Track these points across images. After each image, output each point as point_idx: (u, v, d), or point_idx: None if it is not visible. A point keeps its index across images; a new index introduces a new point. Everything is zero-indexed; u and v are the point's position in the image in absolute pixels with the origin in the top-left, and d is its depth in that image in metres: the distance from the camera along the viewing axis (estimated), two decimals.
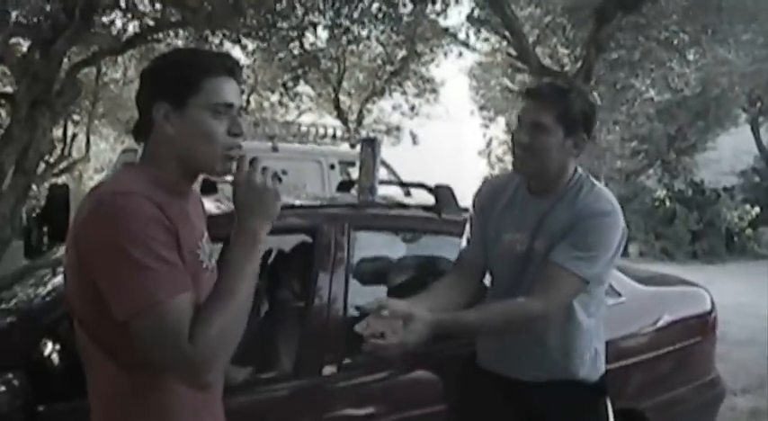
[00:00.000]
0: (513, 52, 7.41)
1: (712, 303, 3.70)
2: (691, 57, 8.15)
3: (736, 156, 17.67)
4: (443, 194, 2.86)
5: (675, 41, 7.38)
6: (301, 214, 2.78)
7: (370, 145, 2.97)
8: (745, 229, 14.32)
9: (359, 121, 12.59)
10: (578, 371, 2.37)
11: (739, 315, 8.22)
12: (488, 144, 14.94)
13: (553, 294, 2.18)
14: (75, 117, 13.49)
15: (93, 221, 1.45)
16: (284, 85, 10.98)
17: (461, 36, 9.86)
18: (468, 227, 2.47)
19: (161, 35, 8.78)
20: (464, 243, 2.46)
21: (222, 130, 1.56)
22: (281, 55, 10.32)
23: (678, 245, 13.44)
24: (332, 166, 7.15)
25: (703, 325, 3.62)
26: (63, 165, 14.00)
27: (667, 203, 14.18)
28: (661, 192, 14.73)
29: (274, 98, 12.64)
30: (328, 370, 2.47)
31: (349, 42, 10.15)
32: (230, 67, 1.61)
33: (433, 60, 12.38)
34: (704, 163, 16.39)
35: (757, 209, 14.55)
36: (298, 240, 3.08)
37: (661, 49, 7.41)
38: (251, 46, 10.41)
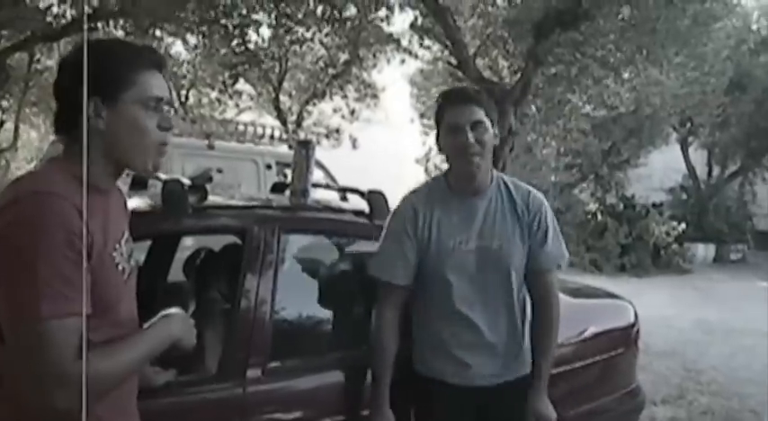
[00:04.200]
0: (454, 62, 7.46)
1: (636, 316, 3.79)
2: (626, 75, 8.36)
3: (665, 174, 18.21)
4: (376, 200, 2.85)
5: (612, 60, 7.54)
6: (231, 215, 2.73)
7: (305, 147, 2.94)
8: (672, 244, 14.73)
9: (298, 123, 12.49)
10: (526, 361, 2.55)
11: (662, 327, 8.49)
12: (427, 152, 15.00)
13: (557, 293, 2.55)
14: (4, 104, 13.05)
15: (8, 219, 1.40)
16: (224, 82, 10.84)
17: (404, 43, 9.91)
18: (388, 251, 2.49)
19: (99, 24, 8.56)
20: (381, 268, 2.48)
21: (153, 125, 1.56)
22: (223, 52, 10.18)
23: (607, 257, 13.74)
24: (268, 167, 7.10)
25: (626, 337, 3.70)
26: None
27: (599, 217, 14.48)
28: (593, 206, 15.05)
29: (213, 95, 12.48)
30: (252, 373, 2.43)
31: (292, 43, 10.08)
32: (158, 61, 1.61)
33: (375, 66, 12.40)
34: (636, 178, 16.84)
35: (683, 225, 14.98)
36: (227, 241, 3.03)
37: (597, 66, 7.57)
38: (192, 41, 10.26)
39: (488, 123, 2.36)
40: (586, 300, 3.81)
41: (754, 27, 16.05)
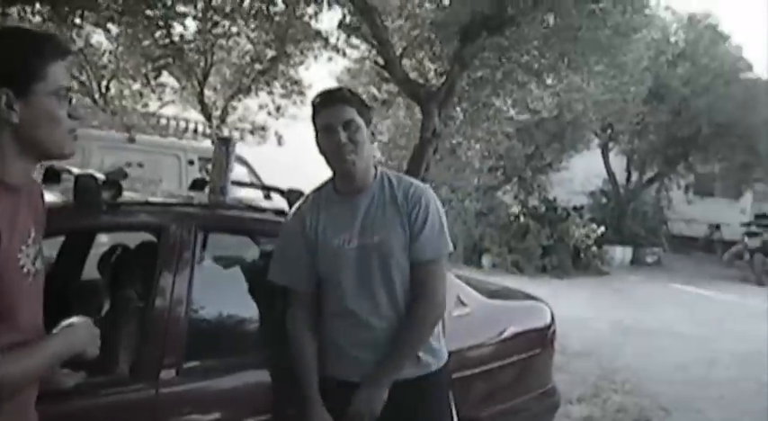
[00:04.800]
0: (381, 62, 7.44)
1: (552, 317, 3.87)
2: (549, 81, 8.51)
3: (586, 178, 18.62)
4: (295, 198, 2.83)
5: (536, 66, 7.66)
6: (146, 211, 2.67)
7: (224, 144, 2.90)
8: (591, 247, 15.03)
9: (223, 118, 12.24)
10: (431, 358, 2.53)
11: (580, 327, 8.67)
12: None
13: (439, 288, 2.48)
14: None
15: None
16: (146, 75, 10.54)
17: (333, 41, 9.83)
18: (283, 257, 2.55)
19: (14, 10, 8.21)
20: (279, 274, 2.53)
21: (65, 114, 1.54)
22: (147, 43, 9.92)
23: (529, 259, 13.92)
24: (191, 162, 6.99)
25: (543, 337, 3.77)
26: None
27: (521, 219, 14.68)
28: (516, 208, 15.26)
29: (136, 87, 12.12)
30: (166, 374, 2.38)
31: (218, 37, 9.91)
32: (65, 49, 1.58)
33: (302, 63, 12.29)
34: (558, 182, 17.17)
35: (603, 228, 15.34)
36: (143, 238, 2.96)
37: (522, 71, 7.69)
38: (114, 30, 9.97)
39: (361, 122, 2.42)
40: (504, 301, 3.87)
41: (673, 40, 16.58)
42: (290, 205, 2.86)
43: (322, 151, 2.47)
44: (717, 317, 10.85)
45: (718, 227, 19.00)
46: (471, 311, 3.27)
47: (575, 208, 16.25)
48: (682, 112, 15.86)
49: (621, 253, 16.89)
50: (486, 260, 13.86)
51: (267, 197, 4.35)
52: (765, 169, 16.82)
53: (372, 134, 2.51)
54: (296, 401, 2.53)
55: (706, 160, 17.60)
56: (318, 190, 2.59)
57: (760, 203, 18.41)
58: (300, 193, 2.90)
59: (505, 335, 3.50)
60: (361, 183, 2.47)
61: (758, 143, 15.76)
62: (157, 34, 9.36)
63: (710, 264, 17.60)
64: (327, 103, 2.44)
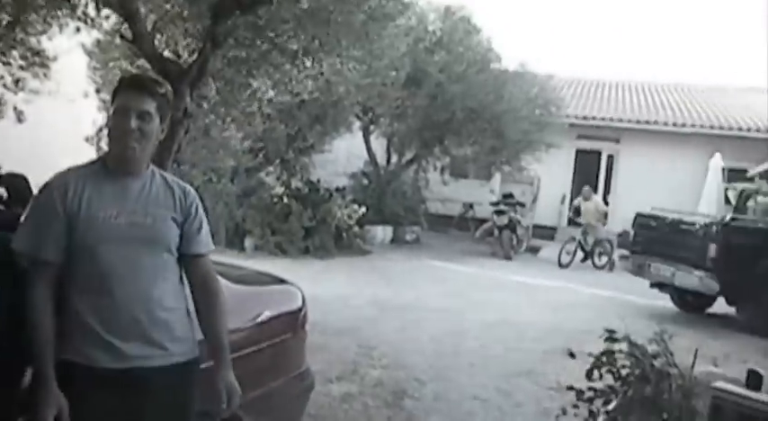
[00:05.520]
0: (129, 36, 7.00)
1: (303, 300, 3.89)
2: (308, 63, 8.52)
3: (348, 160, 19.09)
4: (14, 183, 2.56)
5: (293, 47, 7.63)
6: None
7: None
8: (353, 227, 15.39)
9: None
10: (189, 345, 2.53)
11: (340, 306, 8.86)
12: (99, 130, 13.65)
13: (217, 279, 2.65)
14: None
15: None
16: None
17: (81, 10, 9.04)
18: (34, 225, 2.39)
19: None
20: (27, 242, 2.37)
21: None
22: None
23: (292, 240, 13.94)
24: None
25: (294, 321, 3.78)
26: None
27: (284, 200, 14.67)
28: (279, 190, 15.23)
29: None
30: None
31: None
32: None
33: (45, 32, 11.23)
34: (321, 163, 17.40)
35: (364, 208, 15.80)
36: None
37: (278, 52, 7.62)
38: None
39: (156, 116, 2.46)
40: (253, 286, 3.82)
41: (430, 28, 17.36)
42: (9, 191, 2.59)
43: (109, 129, 2.50)
44: (468, 290, 11.61)
45: (471, 206, 20.24)
46: None
47: (337, 189, 16.57)
48: (438, 98, 16.61)
49: (382, 232, 17.50)
50: (248, 242, 13.70)
51: None
52: (511, 153, 18.18)
53: (163, 131, 2.55)
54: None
55: (460, 144, 18.58)
56: (86, 166, 2.52)
57: (507, 184, 19.93)
58: (23, 178, 2.66)
59: (255, 321, 3.45)
60: (134, 169, 2.48)
61: (505, 129, 16.99)
62: None
63: (464, 240, 18.82)
64: (133, 87, 2.46)
